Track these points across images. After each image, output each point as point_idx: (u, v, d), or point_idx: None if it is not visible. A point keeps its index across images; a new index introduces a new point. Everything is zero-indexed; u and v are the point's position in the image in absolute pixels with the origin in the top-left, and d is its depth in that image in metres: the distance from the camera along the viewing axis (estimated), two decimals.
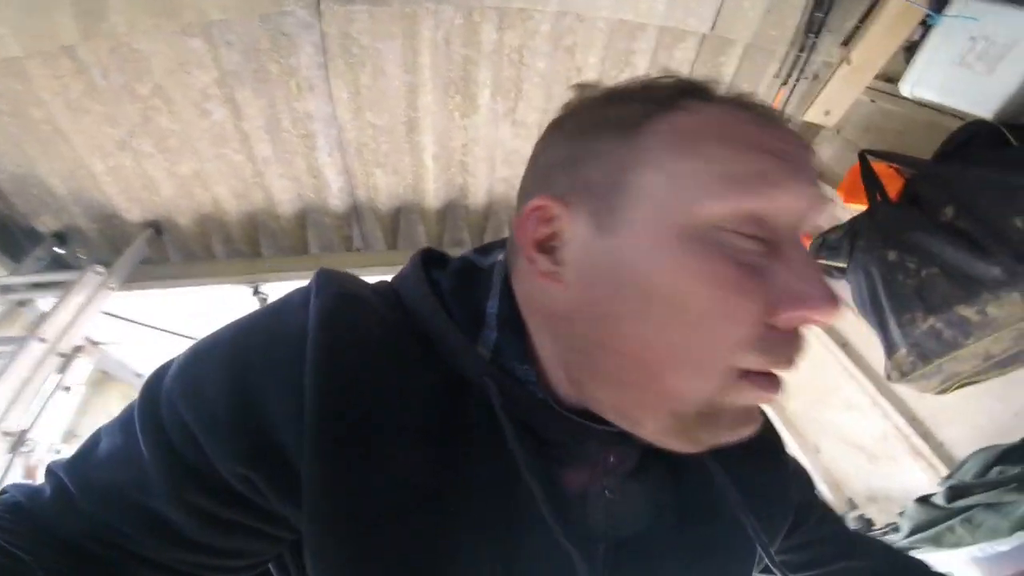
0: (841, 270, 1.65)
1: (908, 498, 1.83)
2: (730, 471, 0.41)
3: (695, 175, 0.32)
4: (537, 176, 0.39)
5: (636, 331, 0.32)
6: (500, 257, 0.41)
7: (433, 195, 1.58)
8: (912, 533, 1.36)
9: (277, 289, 1.64)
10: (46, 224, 1.59)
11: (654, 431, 0.34)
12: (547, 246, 0.36)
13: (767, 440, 0.48)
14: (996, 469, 1.36)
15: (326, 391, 0.32)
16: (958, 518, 1.29)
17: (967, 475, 1.45)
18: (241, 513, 0.33)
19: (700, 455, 0.38)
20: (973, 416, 1.56)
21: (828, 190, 1.87)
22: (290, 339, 0.34)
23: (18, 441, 1.39)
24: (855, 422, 2.02)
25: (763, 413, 0.38)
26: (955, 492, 1.38)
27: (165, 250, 1.66)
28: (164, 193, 1.51)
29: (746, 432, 0.34)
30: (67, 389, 1.58)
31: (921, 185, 1.49)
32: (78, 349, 1.57)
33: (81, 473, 0.33)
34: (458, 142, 1.47)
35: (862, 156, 1.70)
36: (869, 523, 1.78)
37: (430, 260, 0.42)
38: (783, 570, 0.40)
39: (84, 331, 1.47)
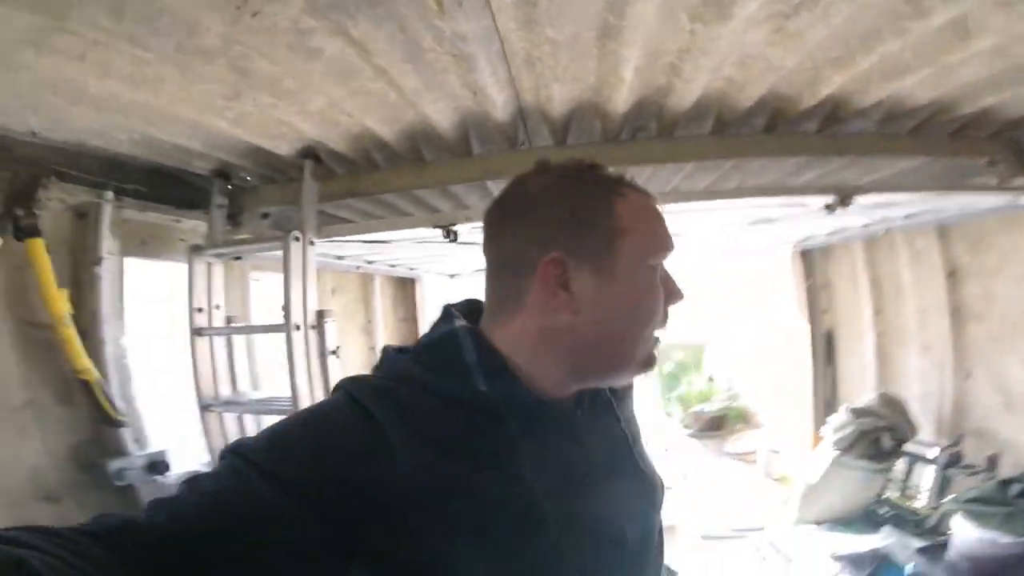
0: None
1: (1006, 451, 1.95)
2: (622, 407, 0.66)
3: (646, 240, 0.56)
4: (541, 233, 0.55)
5: (624, 328, 0.55)
6: (457, 324, 0.56)
7: (621, 100, 1.32)
8: (973, 500, 1.62)
9: (466, 231, 1.75)
10: (201, 167, 1.57)
11: (628, 376, 0.61)
12: (564, 286, 0.54)
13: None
14: None
15: (406, 433, 0.47)
16: (1006, 509, 1.50)
17: None
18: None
19: (609, 400, 0.63)
20: None
21: None
22: (356, 421, 0.48)
23: None
24: (1021, 372, 1.93)
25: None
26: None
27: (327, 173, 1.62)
28: (305, 128, 1.36)
29: (655, 362, 0.59)
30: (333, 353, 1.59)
31: None
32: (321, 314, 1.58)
33: (184, 502, 0.43)
34: (673, 46, 1.12)
35: None
36: (958, 456, 1.98)
37: (399, 350, 0.57)
38: (641, 453, 0.64)
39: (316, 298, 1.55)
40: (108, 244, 1.40)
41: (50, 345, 1.23)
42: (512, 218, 0.58)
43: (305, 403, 1.45)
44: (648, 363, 0.58)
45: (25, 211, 1.20)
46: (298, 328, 1.49)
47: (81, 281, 1.35)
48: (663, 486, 0.66)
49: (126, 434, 1.37)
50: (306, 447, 0.46)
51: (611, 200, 0.55)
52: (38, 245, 1.19)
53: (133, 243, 1.55)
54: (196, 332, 1.58)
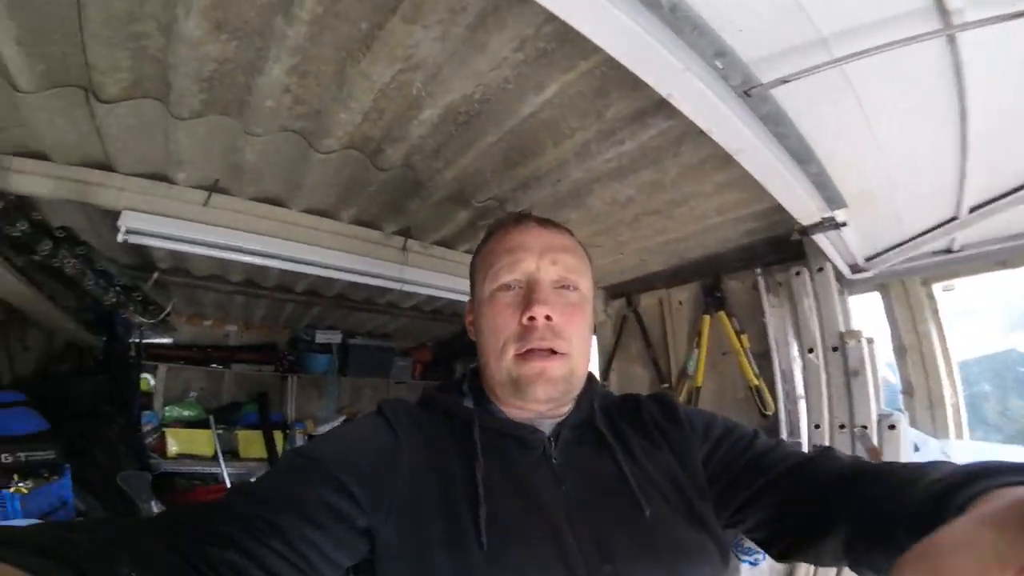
0: None
1: None
2: (623, 441, 0.69)
3: (485, 269, 0.72)
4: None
5: (484, 348, 0.71)
6: (470, 367, 0.78)
7: None
8: None
9: None
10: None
11: (506, 399, 0.70)
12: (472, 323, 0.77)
13: (665, 410, 0.75)
14: None
15: (412, 433, 0.66)
16: None
17: None
18: (346, 506, 0.56)
19: (602, 434, 0.69)
20: None
21: None
22: (379, 419, 0.68)
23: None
24: None
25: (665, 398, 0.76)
26: None
27: None
28: None
29: (543, 388, 0.66)
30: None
31: None
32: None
33: (250, 490, 0.55)
34: None
35: None
36: None
37: (440, 387, 0.79)
38: (636, 492, 0.63)
39: None
40: (765, 303, 2.02)
41: (736, 365, 2.11)
42: None
43: (824, 427, 1.67)
44: (516, 384, 0.67)
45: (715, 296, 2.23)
46: (811, 351, 1.66)
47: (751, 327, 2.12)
48: (697, 546, 0.61)
49: (779, 423, 1.90)
50: (340, 438, 0.66)
51: (483, 246, 0.76)
52: (722, 315, 2.20)
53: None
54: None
